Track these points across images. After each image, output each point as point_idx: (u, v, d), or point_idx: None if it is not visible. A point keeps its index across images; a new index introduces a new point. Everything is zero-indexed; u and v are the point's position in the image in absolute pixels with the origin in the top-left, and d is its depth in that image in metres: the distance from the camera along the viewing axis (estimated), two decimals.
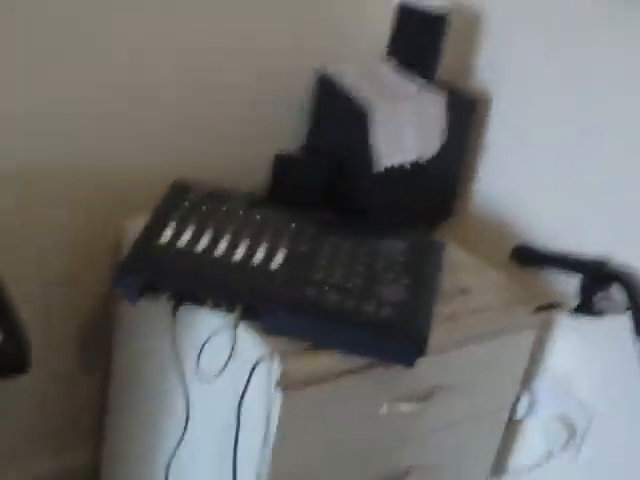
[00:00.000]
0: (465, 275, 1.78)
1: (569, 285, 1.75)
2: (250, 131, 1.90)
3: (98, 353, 1.95)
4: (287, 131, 1.95)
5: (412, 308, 1.53)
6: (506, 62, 1.87)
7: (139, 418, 1.85)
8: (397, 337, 1.49)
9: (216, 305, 1.49)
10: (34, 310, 1.70)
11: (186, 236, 1.58)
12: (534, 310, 1.74)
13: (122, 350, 1.87)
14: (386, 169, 1.78)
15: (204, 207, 1.68)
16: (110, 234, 1.81)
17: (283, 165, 1.82)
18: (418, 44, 1.85)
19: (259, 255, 1.57)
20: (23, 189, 1.70)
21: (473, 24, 1.90)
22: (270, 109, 1.90)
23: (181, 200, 1.69)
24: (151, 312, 1.59)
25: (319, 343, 1.49)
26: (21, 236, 1.73)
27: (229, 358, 1.47)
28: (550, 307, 1.76)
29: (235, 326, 1.47)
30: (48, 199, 1.73)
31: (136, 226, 1.62)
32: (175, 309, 1.50)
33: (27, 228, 1.74)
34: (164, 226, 1.60)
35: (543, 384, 1.86)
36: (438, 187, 1.91)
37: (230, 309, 1.48)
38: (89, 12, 1.62)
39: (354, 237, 1.68)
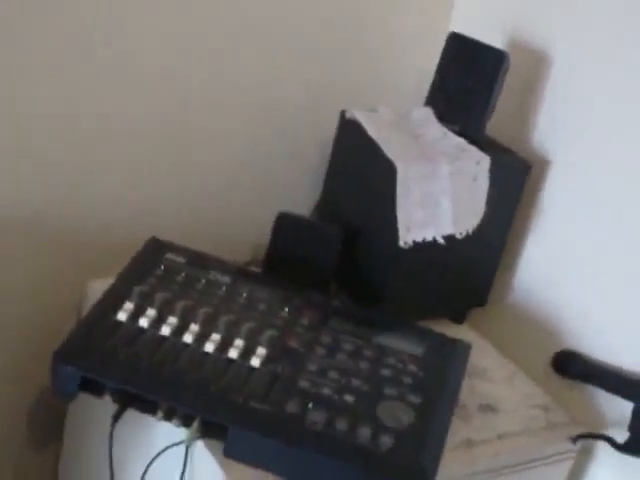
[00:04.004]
0: (491, 387, 1.46)
1: (622, 409, 1.42)
2: (257, 189, 1.62)
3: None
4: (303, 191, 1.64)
5: (418, 439, 1.21)
6: (573, 119, 1.52)
7: None
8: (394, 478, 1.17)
9: (169, 415, 1.18)
10: None
11: (152, 312, 1.28)
12: (572, 439, 1.40)
13: (69, 448, 1.56)
14: (413, 245, 1.45)
15: (181, 275, 1.39)
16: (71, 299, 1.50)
17: (285, 228, 1.49)
18: (467, 86, 1.51)
19: (236, 346, 1.26)
20: None
21: (533, 69, 1.55)
22: (286, 162, 1.62)
23: (154, 264, 1.40)
24: (98, 412, 1.28)
25: (293, 478, 1.17)
26: None
27: None
28: (591, 437, 1.42)
29: (188, 445, 1.16)
30: None
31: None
32: (117, 415, 1.19)
33: None
34: (127, 296, 1.30)
35: None
36: (473, 270, 1.56)
37: (186, 422, 1.17)
38: None
39: (359, 333, 1.37)
